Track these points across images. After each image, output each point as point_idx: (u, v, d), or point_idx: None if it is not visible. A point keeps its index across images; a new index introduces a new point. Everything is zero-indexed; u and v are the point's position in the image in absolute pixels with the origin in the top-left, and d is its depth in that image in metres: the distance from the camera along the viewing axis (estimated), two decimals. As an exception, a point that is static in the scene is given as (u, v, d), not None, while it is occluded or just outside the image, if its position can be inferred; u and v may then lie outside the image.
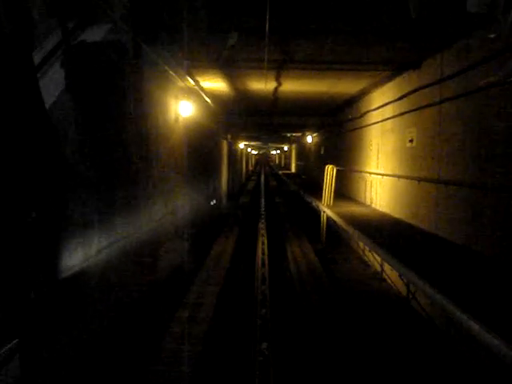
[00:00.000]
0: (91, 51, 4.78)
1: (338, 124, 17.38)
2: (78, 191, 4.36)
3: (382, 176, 11.35)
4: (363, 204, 13.22)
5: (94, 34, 5.05)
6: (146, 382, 5.64)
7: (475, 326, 3.94)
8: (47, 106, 3.78)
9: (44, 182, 3.62)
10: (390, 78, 10.30)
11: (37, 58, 4.31)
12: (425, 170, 8.45)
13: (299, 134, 29.41)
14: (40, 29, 4.78)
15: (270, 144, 48.76)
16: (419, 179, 8.60)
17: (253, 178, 54.89)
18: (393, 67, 9.17)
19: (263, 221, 16.35)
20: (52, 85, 4.10)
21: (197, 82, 10.28)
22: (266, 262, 10.49)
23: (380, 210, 11.51)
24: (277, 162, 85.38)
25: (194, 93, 10.79)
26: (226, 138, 22.46)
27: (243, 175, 44.59)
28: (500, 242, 5.90)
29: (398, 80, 10.12)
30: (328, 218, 12.86)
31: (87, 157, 4.56)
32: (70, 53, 4.41)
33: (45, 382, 3.60)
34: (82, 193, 4.43)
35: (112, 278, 5.35)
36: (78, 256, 4.26)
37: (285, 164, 62.01)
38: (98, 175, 4.89)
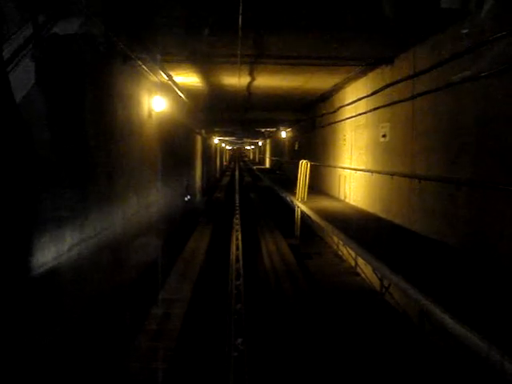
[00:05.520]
0: (63, 45, 4.70)
1: (312, 119, 17.42)
2: (50, 187, 4.29)
3: (355, 171, 11.43)
4: (337, 199, 13.30)
5: (66, 28, 4.96)
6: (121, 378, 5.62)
7: (449, 319, 4.00)
8: (18, 100, 3.71)
9: (14, 178, 3.55)
10: (363, 73, 10.36)
11: (7, 52, 4.22)
12: (398, 165, 8.53)
13: (273, 129, 29.41)
14: (12, 22, 4.69)
15: (244, 139, 48.68)
16: (392, 174, 8.67)
17: (227, 173, 54.73)
18: (366, 62, 9.21)
19: (238, 216, 16.32)
20: (23, 79, 4.02)
21: (170, 77, 10.19)
22: (241, 257, 10.48)
23: (354, 204, 11.59)
24: (251, 157, 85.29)
25: (168, 88, 10.71)
26: (200, 133, 22.34)
27: (218, 170, 44.46)
28: (471, 236, 6.01)
29: (371, 75, 10.19)
30: (302, 213, 12.91)
31: (59, 152, 4.49)
32: (42, 46, 4.32)
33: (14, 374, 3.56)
34: (53, 188, 4.36)
35: (85, 273, 5.29)
36: (50, 253, 4.20)
37: (259, 159, 61.96)
38: (70, 170, 4.82)
